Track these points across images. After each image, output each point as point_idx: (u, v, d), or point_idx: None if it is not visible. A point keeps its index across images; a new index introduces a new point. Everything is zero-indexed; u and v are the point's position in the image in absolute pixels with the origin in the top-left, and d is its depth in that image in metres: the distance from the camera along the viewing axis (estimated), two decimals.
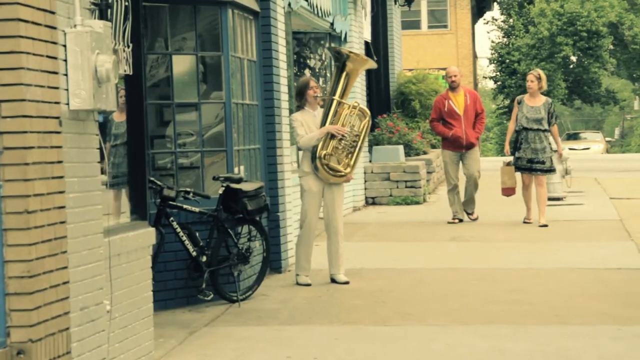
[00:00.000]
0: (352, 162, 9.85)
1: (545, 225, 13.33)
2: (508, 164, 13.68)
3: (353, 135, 9.84)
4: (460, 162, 14.40)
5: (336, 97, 9.86)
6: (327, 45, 16.20)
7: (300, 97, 9.88)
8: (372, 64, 10.54)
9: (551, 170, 13.56)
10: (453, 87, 14.21)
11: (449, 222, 14.15)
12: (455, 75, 14.22)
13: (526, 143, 13.39)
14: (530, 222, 13.69)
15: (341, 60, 9.96)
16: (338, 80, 9.94)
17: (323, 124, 9.80)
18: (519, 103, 13.60)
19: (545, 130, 13.41)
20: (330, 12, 15.18)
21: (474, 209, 14.46)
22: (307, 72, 16.81)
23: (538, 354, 6.92)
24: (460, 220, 14.16)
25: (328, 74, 16.15)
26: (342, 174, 9.82)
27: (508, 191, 13.87)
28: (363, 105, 17.34)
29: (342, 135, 9.73)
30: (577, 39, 45.14)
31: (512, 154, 13.64)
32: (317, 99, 9.92)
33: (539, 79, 13.49)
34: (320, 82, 16.03)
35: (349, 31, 16.47)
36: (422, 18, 43.67)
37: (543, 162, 13.38)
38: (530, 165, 13.40)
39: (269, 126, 10.44)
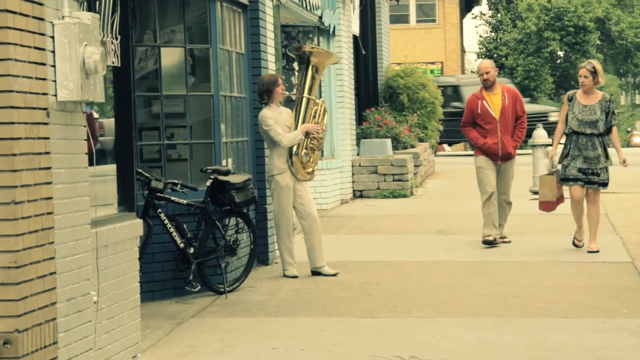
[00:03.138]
0: (317, 160, 10.10)
1: (596, 251, 10.74)
2: (550, 173, 11.13)
3: (324, 133, 10.06)
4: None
5: (306, 95, 10.01)
6: (315, 39, 16.23)
7: (268, 94, 9.85)
8: (335, 59, 10.71)
9: (605, 183, 10.82)
10: (487, 85, 11.47)
11: (483, 242, 11.45)
12: (487, 72, 11.43)
13: (576, 150, 10.68)
14: (580, 244, 11.08)
15: (305, 57, 10.09)
16: (305, 77, 10.09)
17: (297, 122, 9.91)
18: (569, 100, 10.83)
19: (600, 135, 10.67)
20: (319, 6, 15.20)
21: (503, 228, 11.89)
22: (295, 65, 16.84)
23: (523, 347, 6.96)
24: (499, 239, 11.55)
25: None
26: (310, 170, 9.97)
27: (547, 205, 11.12)
28: (351, 98, 17.47)
29: (317, 133, 9.90)
30: (564, 34, 45.28)
31: (560, 161, 10.94)
32: (284, 96, 10.00)
33: (593, 72, 10.66)
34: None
35: (337, 25, 16.49)
36: (410, 12, 43.75)
37: (597, 174, 10.69)
38: (581, 176, 10.70)
39: (257, 119, 10.46)
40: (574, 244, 11.11)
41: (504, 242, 11.61)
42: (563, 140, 11.02)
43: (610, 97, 10.96)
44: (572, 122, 10.70)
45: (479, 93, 11.54)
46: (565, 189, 11.11)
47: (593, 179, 10.70)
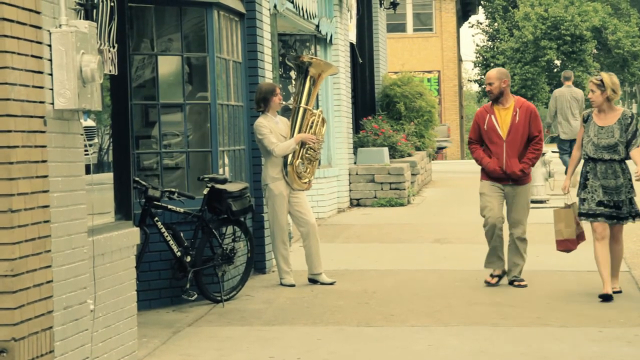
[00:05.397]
0: (314, 170, 10.08)
1: (619, 292, 9.13)
2: (566, 206, 9.38)
3: (320, 143, 10.06)
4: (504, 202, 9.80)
5: (303, 105, 10.03)
6: (312, 47, 16.25)
7: (265, 103, 9.88)
8: (334, 70, 10.72)
9: (631, 215, 9.02)
10: (491, 98, 9.72)
11: (485, 282, 9.74)
12: (490, 83, 9.66)
13: (595, 179, 8.97)
14: (611, 293, 8.94)
15: (304, 67, 10.11)
16: (303, 87, 10.11)
17: (293, 132, 9.93)
18: (585, 121, 9.13)
19: (622, 160, 9.00)
20: (316, 14, 15.22)
21: (519, 269, 9.79)
22: (292, 74, 16.86)
23: (519, 356, 6.96)
24: (500, 277, 9.76)
25: None
26: (306, 180, 9.98)
27: (565, 245, 9.40)
28: (348, 107, 17.49)
29: (312, 144, 9.91)
30: (561, 43, 45.37)
31: (578, 194, 9.19)
32: (281, 105, 10.02)
33: (601, 86, 8.99)
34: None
35: (334, 33, 16.51)
36: (407, 21, 43.83)
37: (619, 206, 8.96)
38: (602, 210, 8.95)
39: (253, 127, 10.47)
40: (601, 298, 8.92)
41: (520, 285, 9.65)
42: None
43: (633, 114, 9.10)
44: (587, 147, 9.02)
45: (488, 106, 9.79)
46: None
47: (614, 213, 8.96)
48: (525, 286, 9.57)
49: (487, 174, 9.72)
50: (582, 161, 9.20)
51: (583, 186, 9.07)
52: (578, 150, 9.21)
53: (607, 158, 8.94)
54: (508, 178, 9.62)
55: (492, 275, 9.74)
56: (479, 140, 9.79)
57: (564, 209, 9.39)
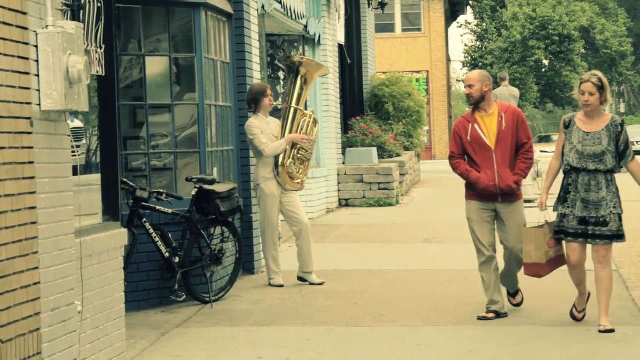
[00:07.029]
0: (307, 171, 10.07)
1: (611, 331, 7.67)
2: (539, 225, 8.02)
3: (311, 143, 10.06)
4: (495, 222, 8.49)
5: (294, 105, 10.02)
6: (300, 47, 16.25)
7: (255, 104, 9.89)
8: (325, 71, 10.72)
9: (617, 235, 7.75)
10: (471, 103, 8.37)
11: (479, 318, 8.25)
12: (470, 85, 8.31)
13: (576, 192, 7.79)
14: (580, 317, 8.09)
15: (294, 67, 10.11)
16: (294, 87, 10.10)
17: (284, 132, 9.93)
18: (566, 127, 7.91)
19: (608, 172, 7.77)
20: (304, 15, 15.22)
21: (516, 286, 8.70)
22: (280, 74, 16.86)
23: (507, 355, 6.97)
24: (499, 315, 8.28)
25: None
26: (299, 181, 9.98)
27: (533, 269, 8.06)
28: (336, 107, 17.49)
29: (304, 144, 9.92)
30: (549, 42, 45.50)
31: (555, 209, 7.96)
32: (271, 106, 10.02)
33: (601, 88, 7.74)
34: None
35: (322, 34, 16.52)
36: (396, 21, 43.87)
37: (604, 223, 7.71)
38: (583, 228, 7.77)
39: (242, 128, 10.46)
40: (572, 316, 8.12)
41: (513, 303, 8.70)
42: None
43: (622, 120, 7.94)
44: (570, 156, 7.80)
45: (469, 115, 8.42)
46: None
47: (597, 231, 7.74)
48: (520, 304, 8.67)
49: (474, 192, 8.39)
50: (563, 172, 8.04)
51: (563, 200, 7.89)
52: (557, 160, 8.02)
53: (592, 168, 7.76)
54: (501, 193, 8.33)
55: (488, 312, 8.34)
56: (462, 154, 8.43)
57: (535, 228, 8.05)
